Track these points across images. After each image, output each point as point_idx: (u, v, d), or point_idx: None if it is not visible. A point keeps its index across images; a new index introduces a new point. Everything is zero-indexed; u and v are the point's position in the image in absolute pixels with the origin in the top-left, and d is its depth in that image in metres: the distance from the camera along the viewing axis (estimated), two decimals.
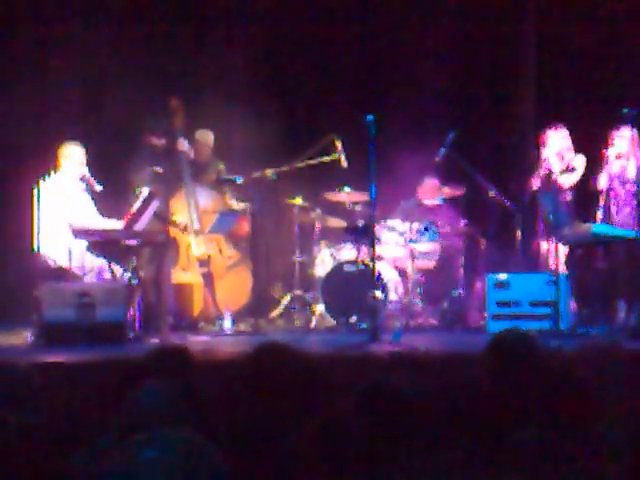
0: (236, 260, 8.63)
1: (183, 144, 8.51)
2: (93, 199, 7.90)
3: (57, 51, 8.88)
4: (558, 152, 8.17)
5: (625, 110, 7.48)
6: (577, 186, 8.24)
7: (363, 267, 8.21)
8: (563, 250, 8.00)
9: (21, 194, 7.92)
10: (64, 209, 7.64)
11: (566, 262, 7.96)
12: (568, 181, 8.17)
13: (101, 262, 7.60)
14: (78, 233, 7.46)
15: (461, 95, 9.72)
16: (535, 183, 8.22)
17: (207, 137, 8.86)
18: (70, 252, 7.47)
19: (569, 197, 8.21)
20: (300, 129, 9.27)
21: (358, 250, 8.46)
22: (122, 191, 8.31)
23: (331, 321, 8.31)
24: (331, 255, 8.78)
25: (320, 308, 8.43)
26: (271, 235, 9.17)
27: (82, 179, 7.84)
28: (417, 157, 8.85)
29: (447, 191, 8.86)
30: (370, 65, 9.94)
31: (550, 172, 8.14)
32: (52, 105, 8.80)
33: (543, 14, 9.78)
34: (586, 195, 8.23)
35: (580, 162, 8.18)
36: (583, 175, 8.19)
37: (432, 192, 9.06)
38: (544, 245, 8.23)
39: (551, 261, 7.86)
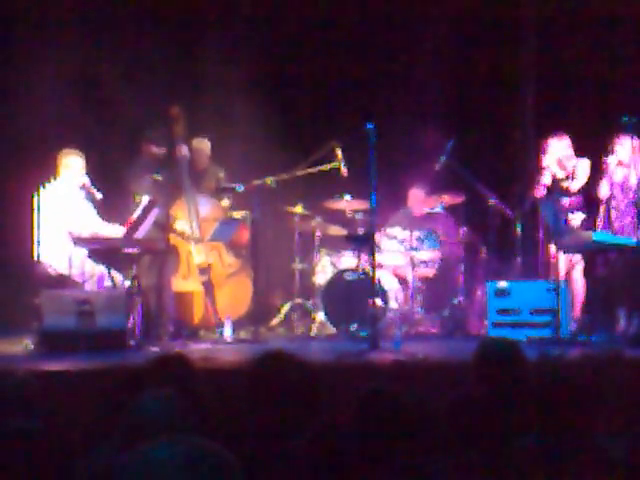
0: (236, 268, 8.63)
1: (184, 150, 8.50)
2: (94, 206, 7.91)
3: (57, 59, 8.89)
4: (558, 160, 8.17)
5: (625, 118, 7.49)
6: (580, 192, 8.23)
7: (363, 275, 8.21)
8: (564, 258, 8.03)
9: (21, 202, 7.92)
10: (64, 217, 7.64)
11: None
12: (574, 185, 8.15)
13: (101, 269, 7.61)
14: (78, 241, 7.47)
15: (461, 103, 9.74)
16: (537, 191, 8.22)
17: (204, 145, 8.86)
18: (70, 259, 7.48)
19: (573, 202, 8.17)
20: (300, 137, 9.29)
21: (358, 258, 8.47)
22: (123, 199, 8.31)
23: (331, 329, 8.31)
24: (331, 263, 8.78)
25: (320, 316, 8.43)
26: (271, 243, 9.17)
27: (82, 187, 7.84)
28: (417, 165, 8.88)
29: (433, 202, 8.91)
30: (370, 73, 9.95)
31: (553, 179, 8.15)
32: (52, 113, 8.80)
33: (544, 21, 9.80)
34: (587, 203, 8.23)
35: (584, 166, 8.15)
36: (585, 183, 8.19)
37: (419, 203, 9.12)
38: (545, 252, 8.23)
39: (551, 269, 7.87)
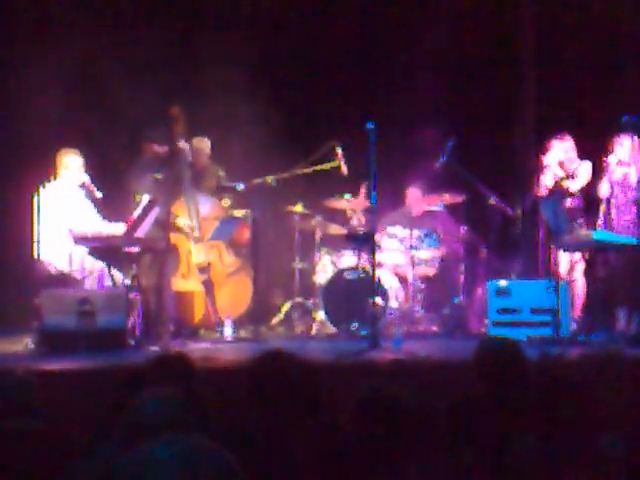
0: (236, 267, 8.63)
1: (185, 148, 8.47)
2: (94, 205, 7.91)
3: (57, 58, 8.88)
4: (560, 162, 8.17)
5: (625, 118, 7.49)
6: (581, 193, 8.22)
7: (364, 274, 8.21)
8: (565, 257, 8.03)
9: (21, 201, 7.92)
10: (64, 216, 7.65)
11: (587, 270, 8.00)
12: (574, 186, 8.15)
13: (101, 265, 7.61)
14: (78, 239, 7.47)
15: (461, 102, 9.73)
16: (537, 190, 8.22)
17: (204, 144, 8.86)
18: (71, 258, 7.48)
19: (574, 203, 8.17)
20: (301, 136, 9.28)
21: (359, 257, 8.46)
22: (123, 198, 8.31)
23: (332, 328, 8.31)
24: (332, 262, 8.78)
25: (321, 315, 8.43)
26: (272, 242, 9.17)
27: (82, 186, 7.85)
28: (415, 164, 8.89)
29: (432, 201, 8.90)
30: (370, 72, 9.95)
31: (553, 178, 8.15)
32: (52, 112, 8.79)
33: (543, 21, 9.80)
34: (587, 202, 8.23)
35: (586, 168, 8.15)
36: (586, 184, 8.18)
37: (417, 202, 9.09)
38: (545, 252, 8.23)
39: (552, 268, 7.87)
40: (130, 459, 1.80)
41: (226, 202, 8.76)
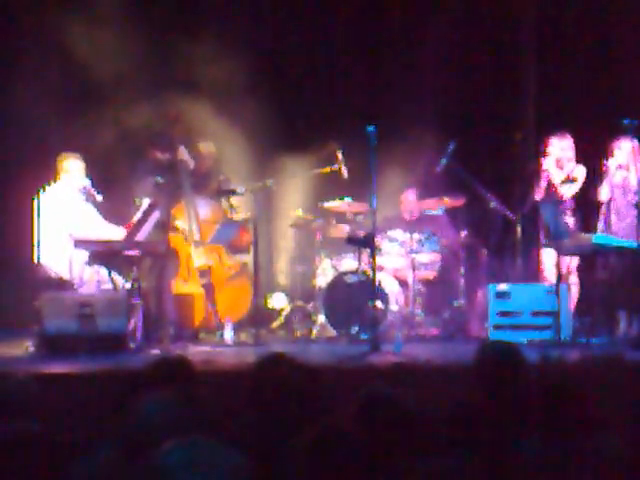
0: (237, 271, 8.63)
1: (183, 153, 8.50)
2: (95, 208, 7.91)
3: (57, 61, 8.89)
4: (557, 160, 8.17)
5: (625, 121, 7.50)
6: (578, 196, 8.24)
7: (364, 277, 8.20)
8: (564, 260, 8.03)
9: (21, 204, 7.92)
10: (64, 219, 7.64)
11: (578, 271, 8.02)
12: (569, 192, 8.18)
13: (99, 275, 7.59)
14: (79, 243, 7.46)
15: (461, 105, 9.73)
16: (537, 194, 8.23)
17: (210, 149, 8.87)
18: (71, 265, 7.47)
19: (570, 207, 8.20)
20: (301, 139, 9.28)
21: (359, 260, 8.46)
22: (124, 202, 8.31)
23: (332, 331, 8.30)
24: (332, 265, 8.77)
25: (321, 318, 8.42)
26: (272, 245, 9.17)
27: (82, 190, 7.85)
28: (413, 168, 8.90)
29: (431, 204, 8.89)
30: (370, 75, 9.96)
31: (551, 182, 8.16)
32: (52, 115, 8.80)
33: (544, 24, 9.81)
34: (587, 206, 8.24)
35: (580, 173, 8.19)
36: (584, 185, 8.20)
37: (412, 205, 9.03)
38: (545, 255, 8.24)
39: (552, 271, 7.88)
40: (145, 464, 1.81)
41: (226, 204, 8.74)
